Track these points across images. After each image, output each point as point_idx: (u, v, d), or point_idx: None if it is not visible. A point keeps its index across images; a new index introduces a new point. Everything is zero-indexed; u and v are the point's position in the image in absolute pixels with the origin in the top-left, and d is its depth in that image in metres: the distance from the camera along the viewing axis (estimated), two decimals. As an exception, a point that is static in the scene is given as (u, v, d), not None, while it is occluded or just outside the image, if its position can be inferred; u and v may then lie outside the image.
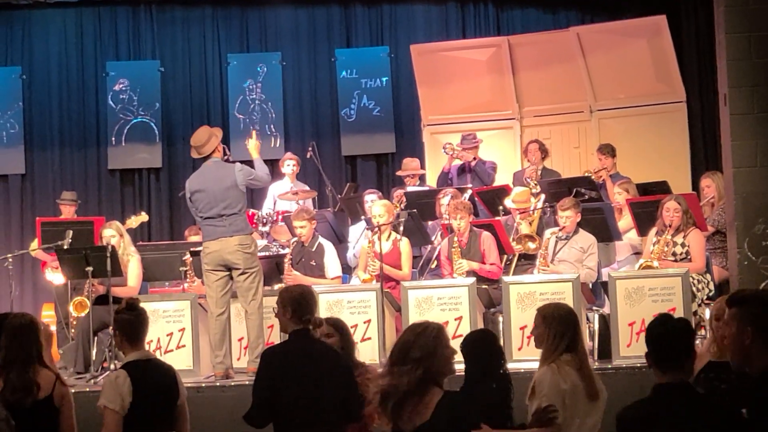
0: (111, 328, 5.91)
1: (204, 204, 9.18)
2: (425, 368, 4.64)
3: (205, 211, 9.18)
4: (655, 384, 4.40)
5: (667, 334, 4.44)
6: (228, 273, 9.16)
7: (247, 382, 8.51)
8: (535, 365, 7.01)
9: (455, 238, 10.05)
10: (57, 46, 14.73)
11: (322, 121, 14.89)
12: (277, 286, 10.10)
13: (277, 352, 5.83)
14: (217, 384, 8.89)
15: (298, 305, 5.76)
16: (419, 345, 4.66)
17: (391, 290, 9.89)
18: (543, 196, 11.04)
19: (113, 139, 14.57)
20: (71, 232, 10.33)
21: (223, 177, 9.20)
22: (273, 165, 12.95)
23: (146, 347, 5.87)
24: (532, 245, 10.29)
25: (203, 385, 8.87)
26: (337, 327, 6.51)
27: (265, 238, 11.87)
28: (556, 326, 5.76)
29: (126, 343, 5.70)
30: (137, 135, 14.55)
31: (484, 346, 6.03)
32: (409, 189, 12.22)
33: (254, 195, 13.96)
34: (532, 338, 5.94)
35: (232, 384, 8.82)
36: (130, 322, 5.71)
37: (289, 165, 12.53)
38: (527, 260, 10.37)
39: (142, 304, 5.84)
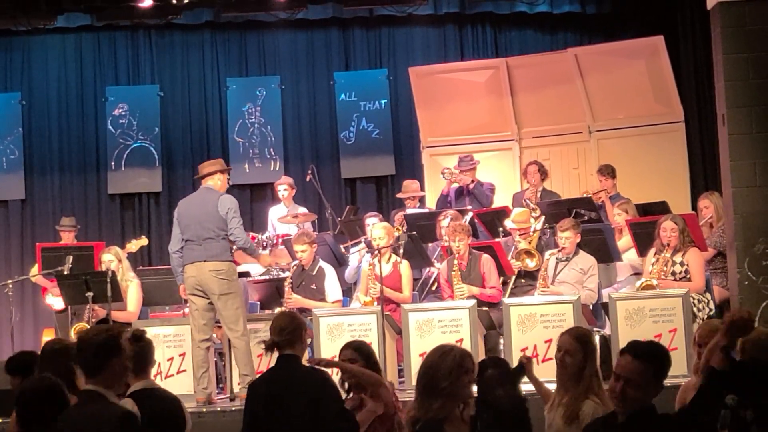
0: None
1: (184, 224, 9.25)
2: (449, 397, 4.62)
3: (185, 231, 9.24)
4: None
5: None
6: (209, 299, 9.16)
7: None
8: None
9: (455, 261, 10.05)
10: (56, 71, 14.75)
11: (321, 144, 14.90)
12: (277, 310, 10.10)
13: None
14: (218, 409, 8.88)
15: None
16: (444, 373, 4.63)
17: (391, 313, 9.89)
18: (543, 218, 11.05)
19: (113, 163, 14.58)
20: (71, 257, 10.36)
21: (208, 201, 9.29)
22: (271, 188, 12.96)
23: (151, 377, 5.87)
24: (530, 262, 10.28)
25: (204, 410, 8.86)
26: (361, 351, 6.39)
27: (265, 261, 11.85)
28: (593, 352, 5.71)
29: (131, 374, 5.68)
30: (137, 159, 14.56)
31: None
32: (409, 211, 12.23)
33: (254, 219, 14.01)
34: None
35: (233, 409, 8.81)
36: (137, 354, 5.68)
37: (282, 189, 12.54)
38: (528, 281, 10.37)
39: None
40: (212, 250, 9.13)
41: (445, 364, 4.62)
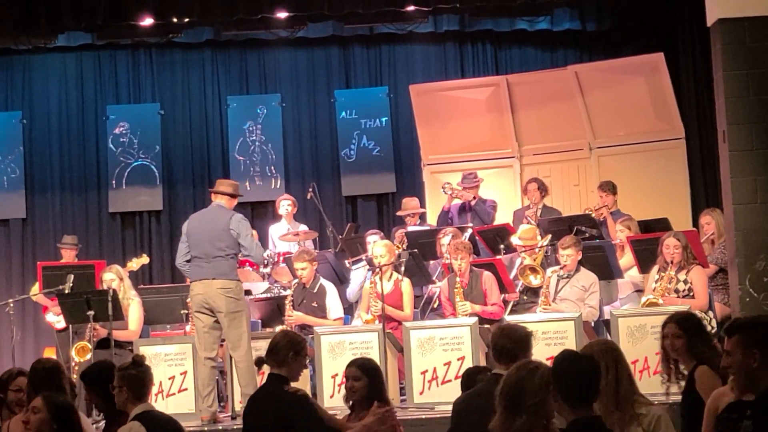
0: (114, 383, 5.86)
1: (194, 240, 9.24)
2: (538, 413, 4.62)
3: (194, 248, 9.23)
4: (571, 420, 4.52)
5: (577, 375, 4.55)
6: (215, 317, 9.14)
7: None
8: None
9: (457, 279, 10.03)
10: (57, 90, 14.78)
11: (322, 162, 14.91)
12: (278, 328, 10.08)
13: None
14: (220, 428, 8.85)
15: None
16: (531, 390, 4.62)
17: (393, 331, 9.88)
18: (550, 236, 11.03)
19: (114, 182, 14.59)
20: (72, 276, 10.34)
21: (220, 218, 9.29)
22: (272, 206, 12.95)
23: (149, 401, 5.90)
24: (534, 279, 10.26)
25: (206, 429, 8.84)
26: (365, 369, 6.33)
27: (266, 279, 11.86)
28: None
29: (131, 398, 5.71)
30: (138, 178, 14.57)
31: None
32: (410, 229, 12.22)
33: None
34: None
35: (235, 427, 8.78)
36: (138, 378, 5.73)
37: (284, 206, 12.54)
38: (531, 298, 10.36)
39: (143, 348, 5.87)
40: (221, 268, 9.13)
41: (533, 382, 4.58)
